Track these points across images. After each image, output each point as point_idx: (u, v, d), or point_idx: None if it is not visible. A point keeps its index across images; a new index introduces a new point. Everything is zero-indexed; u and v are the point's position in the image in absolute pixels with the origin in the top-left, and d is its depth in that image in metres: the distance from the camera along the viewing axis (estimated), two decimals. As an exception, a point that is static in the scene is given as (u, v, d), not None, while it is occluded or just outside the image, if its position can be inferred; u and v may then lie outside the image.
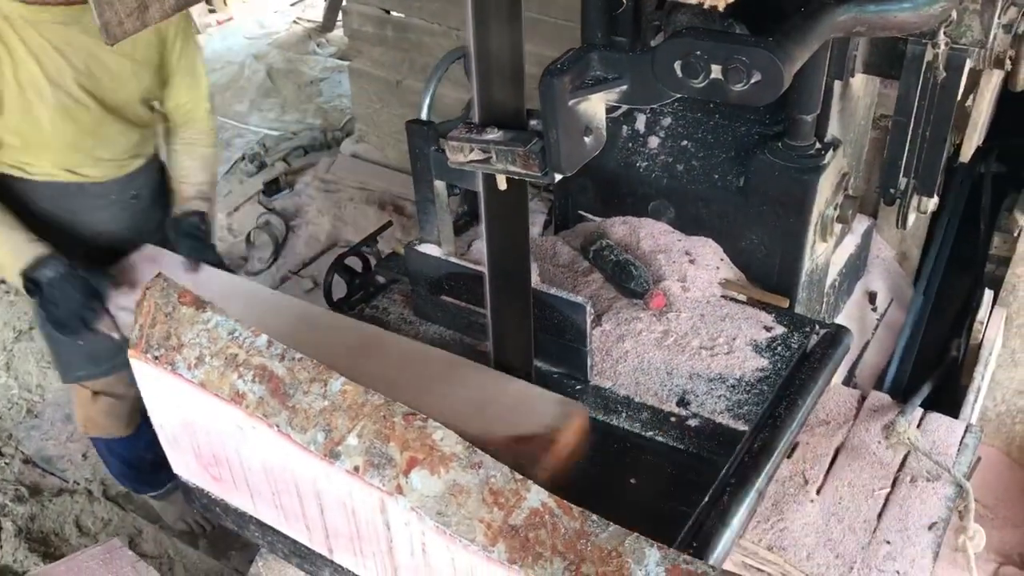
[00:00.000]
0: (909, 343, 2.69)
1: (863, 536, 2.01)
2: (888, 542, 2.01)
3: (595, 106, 1.47)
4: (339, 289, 2.24)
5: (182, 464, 1.69)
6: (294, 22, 6.22)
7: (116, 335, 2.03)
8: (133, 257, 2.17)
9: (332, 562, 1.56)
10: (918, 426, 2.24)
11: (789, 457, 2.19)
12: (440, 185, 1.87)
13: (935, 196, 2.01)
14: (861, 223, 2.60)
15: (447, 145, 1.55)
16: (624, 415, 1.82)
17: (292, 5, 6.42)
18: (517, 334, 1.78)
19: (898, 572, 1.95)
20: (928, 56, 1.81)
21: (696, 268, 2.13)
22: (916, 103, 1.88)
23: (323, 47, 5.82)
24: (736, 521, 1.64)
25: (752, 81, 1.30)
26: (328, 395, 1.36)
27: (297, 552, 1.61)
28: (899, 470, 2.16)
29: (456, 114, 2.06)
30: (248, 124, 4.97)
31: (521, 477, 1.24)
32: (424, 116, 2.18)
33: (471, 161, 1.54)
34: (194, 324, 1.46)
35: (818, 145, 2.01)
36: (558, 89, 1.38)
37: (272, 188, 4.39)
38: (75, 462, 3.09)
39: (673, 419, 1.81)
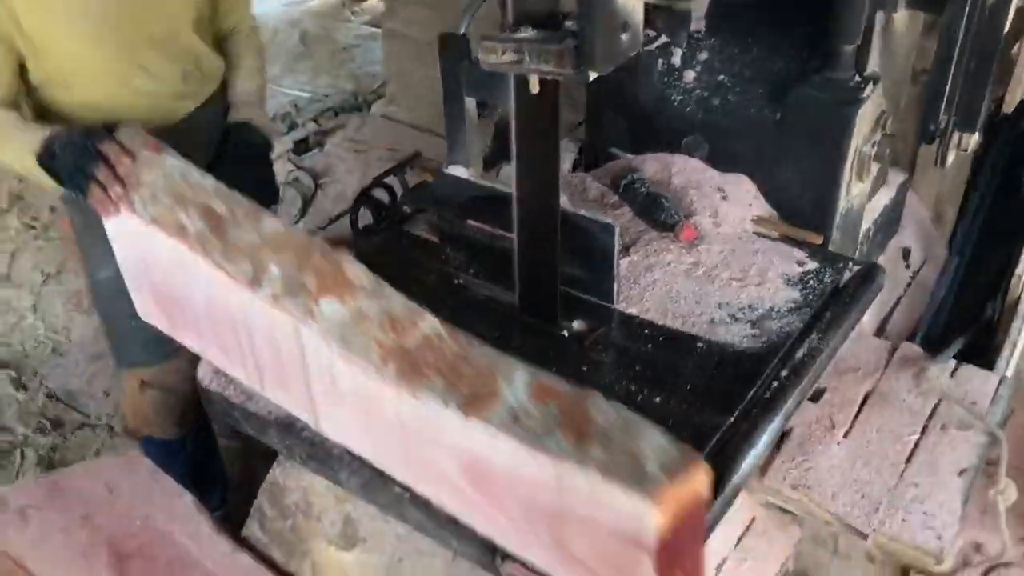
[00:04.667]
0: (942, 301, 2.63)
1: (890, 478, 1.96)
2: (916, 485, 1.96)
3: (633, 1, 1.44)
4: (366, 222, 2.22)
5: (144, 307, 1.73)
6: (327, -10, 6.23)
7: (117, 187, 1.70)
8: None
9: (348, 464, 1.54)
10: (951, 376, 2.19)
11: (815, 401, 2.16)
12: (470, 103, 1.85)
13: (976, 133, 1.96)
14: (897, 176, 2.56)
15: (481, 47, 1.53)
16: (650, 339, 1.79)
17: (328, -26, 6.43)
18: (543, 255, 1.75)
19: (926, 514, 1.90)
20: (975, -20, 1.76)
21: (728, 204, 2.10)
22: (961, 33, 1.83)
23: (357, 15, 5.82)
24: (762, 441, 1.61)
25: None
26: (260, 232, 1.49)
27: (314, 456, 1.60)
28: (929, 418, 2.11)
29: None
30: (280, 86, 4.98)
31: (418, 307, 1.38)
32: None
33: (504, 62, 1.52)
34: (152, 166, 1.58)
35: (858, 78, 1.97)
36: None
37: (302, 147, 4.40)
38: (97, 398, 3.10)
39: (700, 344, 1.77)
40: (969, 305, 2.70)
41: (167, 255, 1.55)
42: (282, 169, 4.27)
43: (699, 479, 1.10)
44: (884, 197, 2.46)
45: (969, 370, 2.21)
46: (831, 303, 1.88)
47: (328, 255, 1.43)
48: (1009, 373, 2.36)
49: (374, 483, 1.52)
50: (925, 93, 1.95)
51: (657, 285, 1.92)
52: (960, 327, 2.55)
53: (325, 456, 1.57)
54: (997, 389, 2.16)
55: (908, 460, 2.01)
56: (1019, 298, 2.48)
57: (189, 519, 1.73)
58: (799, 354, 1.75)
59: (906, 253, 2.66)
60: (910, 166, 2.65)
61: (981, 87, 1.87)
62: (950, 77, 1.89)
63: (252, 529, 1.75)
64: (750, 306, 1.86)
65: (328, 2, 6.07)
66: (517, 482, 1.20)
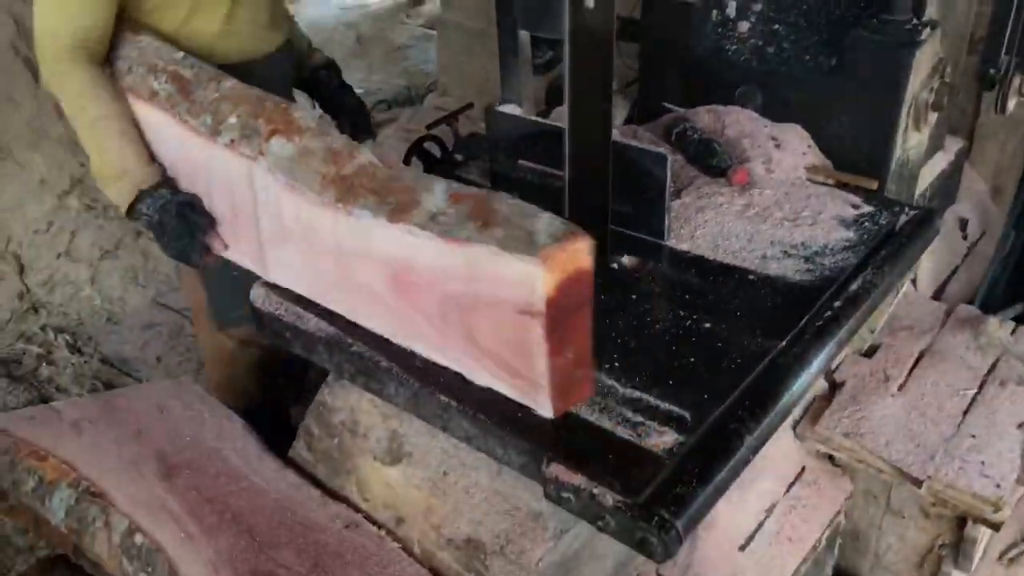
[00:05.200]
0: (999, 273, 2.57)
1: (947, 429, 1.92)
2: (973, 436, 1.91)
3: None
4: (417, 171, 2.24)
5: None
6: (383, -2, 6.35)
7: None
8: None
9: (396, 375, 1.54)
10: (1011, 335, 2.14)
11: (868, 357, 2.12)
12: (524, 37, 1.87)
13: (1035, 76, 1.93)
14: (954, 143, 2.52)
15: (535, -38, 1.54)
16: (700, 272, 1.78)
17: (385, -19, 6.55)
18: (594, 183, 1.75)
19: (983, 463, 1.85)
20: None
21: (782, 152, 2.08)
22: (1022, -31, 1.81)
23: (412, 18, 5.91)
24: (815, 364, 1.57)
25: None
26: (220, 90, 1.63)
27: (363, 370, 1.60)
28: (988, 373, 2.06)
29: None
30: (335, 83, 5.06)
31: (357, 143, 1.52)
32: None
33: (560, -24, 1.53)
34: (128, 43, 1.76)
35: (915, 21, 1.95)
36: None
37: (354, 137, 4.45)
38: (149, 364, 3.14)
39: (752, 276, 1.75)
40: (1028, 278, 2.64)
41: (143, 120, 1.75)
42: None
43: (583, 248, 1.22)
44: (942, 161, 2.42)
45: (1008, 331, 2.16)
46: (886, 243, 1.85)
47: (280, 103, 1.59)
48: (1071, 335, 2.29)
49: (421, 395, 1.52)
50: (986, 35, 1.92)
51: (709, 224, 1.90)
52: (1018, 297, 2.49)
53: (373, 369, 1.57)
54: (1055, 348, 2.10)
55: (965, 413, 1.97)
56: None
57: (237, 438, 1.74)
58: (853, 287, 1.72)
59: (963, 223, 2.61)
60: (968, 135, 2.61)
61: (1043, 26, 1.84)
62: (1012, 15, 1.86)
63: (298, 449, 1.76)
64: (803, 244, 1.84)
65: (384, 6, 6.18)
66: (433, 279, 1.36)
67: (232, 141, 1.56)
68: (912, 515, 2.00)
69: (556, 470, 1.36)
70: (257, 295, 1.76)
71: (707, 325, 1.63)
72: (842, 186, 2.02)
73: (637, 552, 1.32)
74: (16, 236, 3.67)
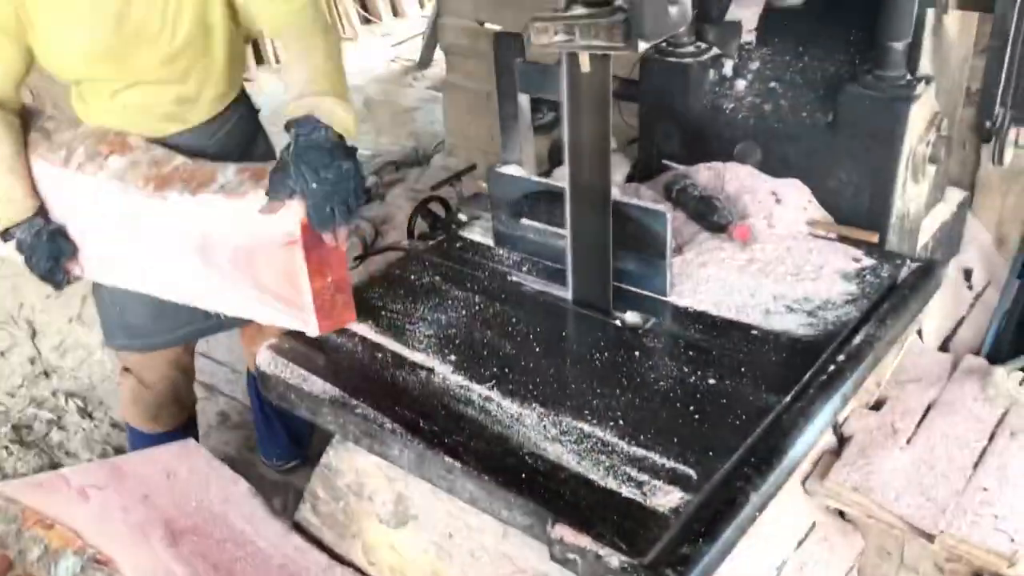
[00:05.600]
0: (1005, 323, 2.57)
1: (957, 482, 1.90)
2: (985, 489, 1.89)
3: (682, -23, 1.48)
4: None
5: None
6: (392, 61, 6.46)
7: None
8: None
9: (401, 436, 1.55)
10: (1020, 385, 2.13)
11: (876, 410, 2.10)
12: (524, 100, 1.90)
13: (1033, 128, 1.95)
14: (956, 194, 2.53)
15: (532, 28, 1.58)
16: (704, 328, 1.78)
17: (394, 46, 6.67)
18: (596, 241, 1.77)
19: (996, 516, 1.83)
20: (1025, -30, 1.77)
21: (782, 208, 2.10)
22: (1013, 25, 1.84)
23: (419, 81, 6.01)
24: (820, 419, 1.57)
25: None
26: (74, 131, 2.00)
27: (368, 432, 1.60)
28: (997, 425, 2.05)
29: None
30: (343, 145, 5.13)
31: (174, 152, 1.95)
32: None
33: (555, 42, 1.56)
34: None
35: (909, 76, 1.98)
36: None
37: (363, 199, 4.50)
38: (159, 427, 3.15)
39: (755, 331, 1.76)
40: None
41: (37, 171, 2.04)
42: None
43: None
44: (943, 212, 2.44)
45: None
46: (889, 296, 1.85)
47: (119, 133, 1.97)
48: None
49: (426, 457, 1.52)
50: (981, 90, 1.95)
51: (711, 280, 1.91)
52: (1024, 346, 2.49)
53: (378, 431, 1.58)
54: (1067, 399, 2.09)
55: (976, 465, 1.95)
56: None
57: (244, 503, 1.74)
58: (856, 341, 1.72)
59: (968, 273, 2.61)
60: (970, 186, 2.63)
61: (1036, 80, 1.87)
62: (1004, 70, 1.89)
63: (304, 513, 1.76)
64: (805, 298, 1.84)
65: (391, 70, 6.29)
66: (225, 236, 1.78)
67: (80, 165, 1.94)
68: (926, 571, 1.97)
69: (561, 531, 1.35)
70: (263, 358, 1.77)
71: (711, 381, 1.63)
72: (843, 240, 2.03)
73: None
74: (28, 301, 3.71)
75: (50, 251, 2.00)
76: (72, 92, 2.07)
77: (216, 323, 2.10)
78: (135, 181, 1.88)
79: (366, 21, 7.23)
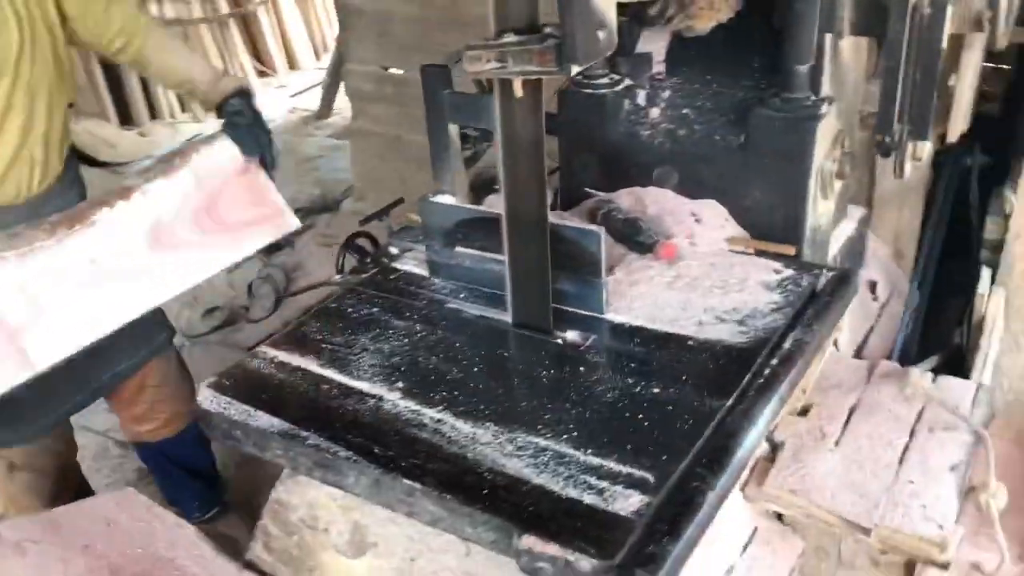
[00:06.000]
0: (911, 330, 2.72)
1: (886, 478, 1.99)
2: (911, 482, 1.99)
3: (608, 3, 1.55)
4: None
5: None
6: (290, 112, 6.44)
7: None
8: None
9: (356, 463, 1.54)
10: (932, 383, 2.25)
11: (803, 416, 2.20)
12: (453, 130, 1.94)
13: (928, 140, 2.09)
14: (856, 211, 2.68)
15: (464, 56, 1.62)
16: (643, 341, 1.84)
17: (292, 97, 6.66)
18: (534, 262, 1.81)
19: (924, 506, 1.93)
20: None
21: (702, 227, 2.18)
22: (905, 47, 1.98)
23: (321, 129, 6.01)
24: (762, 420, 1.64)
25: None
26: None
27: (321, 462, 1.59)
28: (916, 423, 2.16)
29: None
30: (247, 196, 5.07)
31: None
32: None
33: (488, 69, 1.61)
34: None
35: (814, 97, 2.10)
36: (574, -24, 1.47)
37: (272, 247, 4.45)
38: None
39: (691, 342, 1.82)
40: (936, 332, 2.80)
41: None
42: (253, 268, 4.32)
43: None
44: (847, 228, 2.57)
45: (948, 379, 2.28)
46: (811, 303, 1.95)
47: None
48: (985, 381, 2.43)
49: (383, 482, 1.51)
50: (878, 109, 2.08)
51: (643, 297, 1.98)
52: (929, 349, 2.64)
53: (331, 460, 1.56)
54: (976, 394, 2.23)
55: (900, 461, 2.05)
56: (983, 317, 2.58)
57: (192, 546, 1.69)
58: (787, 345, 1.81)
59: (872, 286, 2.76)
60: (868, 203, 2.79)
61: (928, 97, 2.01)
62: (899, 89, 2.03)
63: (256, 551, 1.72)
64: (734, 309, 1.92)
65: (290, 121, 6.27)
66: (178, 210, 2.01)
67: None
68: (863, 565, 2.05)
69: (528, 541, 1.37)
70: (204, 396, 1.74)
71: (656, 390, 1.68)
72: (761, 254, 2.13)
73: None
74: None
75: None
76: None
77: (95, 390, 2.17)
78: (32, 239, 1.86)
79: (261, 74, 7.21)
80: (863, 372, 2.35)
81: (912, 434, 2.12)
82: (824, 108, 2.09)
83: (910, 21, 1.96)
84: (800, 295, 1.96)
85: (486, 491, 1.45)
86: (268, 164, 2.19)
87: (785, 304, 1.93)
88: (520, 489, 1.46)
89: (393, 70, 4.19)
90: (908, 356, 2.65)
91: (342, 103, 6.26)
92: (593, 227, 1.85)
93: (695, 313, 1.91)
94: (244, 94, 2.19)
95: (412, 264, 2.17)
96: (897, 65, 2.01)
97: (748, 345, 1.80)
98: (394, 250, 2.24)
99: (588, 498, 1.43)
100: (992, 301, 2.59)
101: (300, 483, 1.70)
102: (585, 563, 1.32)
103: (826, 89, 2.15)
